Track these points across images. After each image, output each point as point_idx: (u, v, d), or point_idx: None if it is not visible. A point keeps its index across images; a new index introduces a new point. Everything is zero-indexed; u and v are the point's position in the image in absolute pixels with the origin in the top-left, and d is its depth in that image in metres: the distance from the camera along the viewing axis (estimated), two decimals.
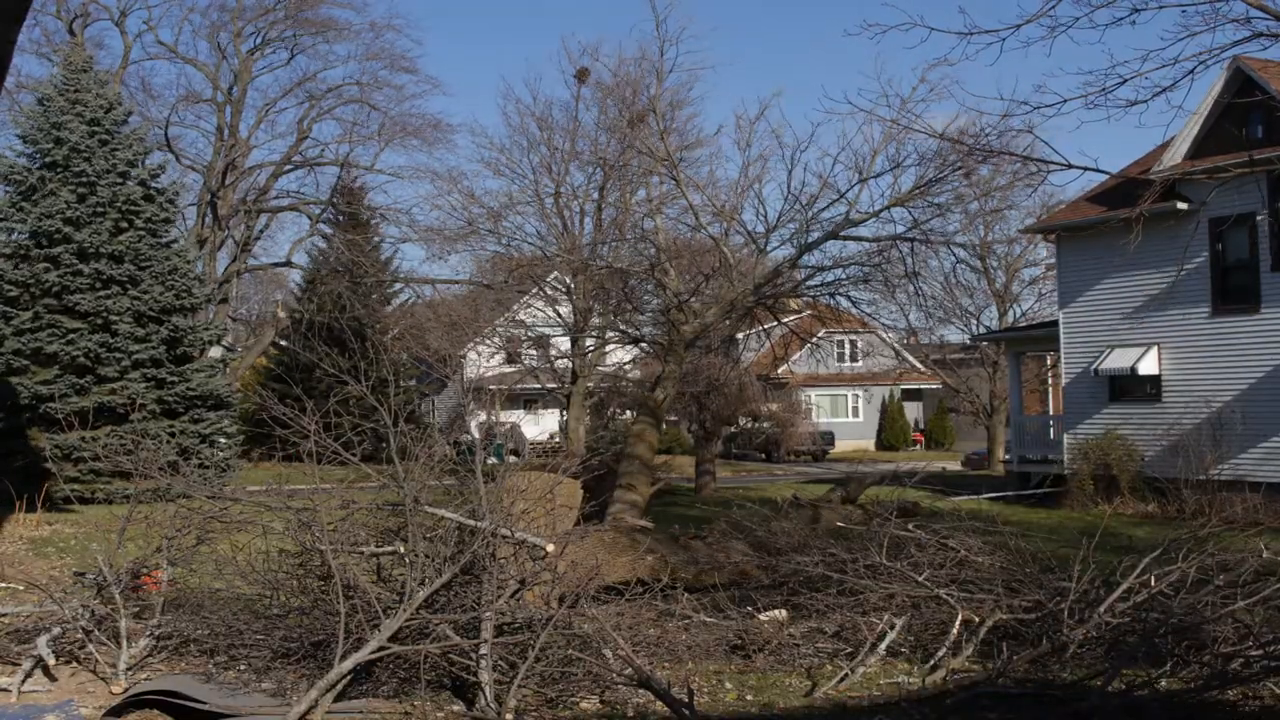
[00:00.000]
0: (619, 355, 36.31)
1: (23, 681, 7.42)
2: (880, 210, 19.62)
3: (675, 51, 51.86)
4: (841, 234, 20.01)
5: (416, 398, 45.51)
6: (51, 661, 7.63)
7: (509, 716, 6.57)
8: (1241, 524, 9.39)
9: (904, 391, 49.82)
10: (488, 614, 7.02)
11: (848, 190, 19.84)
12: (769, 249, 21.47)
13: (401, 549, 7.71)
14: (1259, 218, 19.33)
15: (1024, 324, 35.58)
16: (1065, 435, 23.33)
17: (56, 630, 8.10)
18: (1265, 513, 16.47)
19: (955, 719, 6.56)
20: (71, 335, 20.70)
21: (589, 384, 34.26)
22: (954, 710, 6.65)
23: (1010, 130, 13.89)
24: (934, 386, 49.97)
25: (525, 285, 32.98)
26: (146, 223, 21.98)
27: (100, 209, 21.41)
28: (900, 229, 20.20)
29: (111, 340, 20.92)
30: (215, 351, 27.82)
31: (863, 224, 19.83)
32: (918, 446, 48.85)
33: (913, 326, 31.44)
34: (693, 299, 20.71)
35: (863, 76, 74.39)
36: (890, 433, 48.51)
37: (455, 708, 6.88)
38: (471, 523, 7.53)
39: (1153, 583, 8.18)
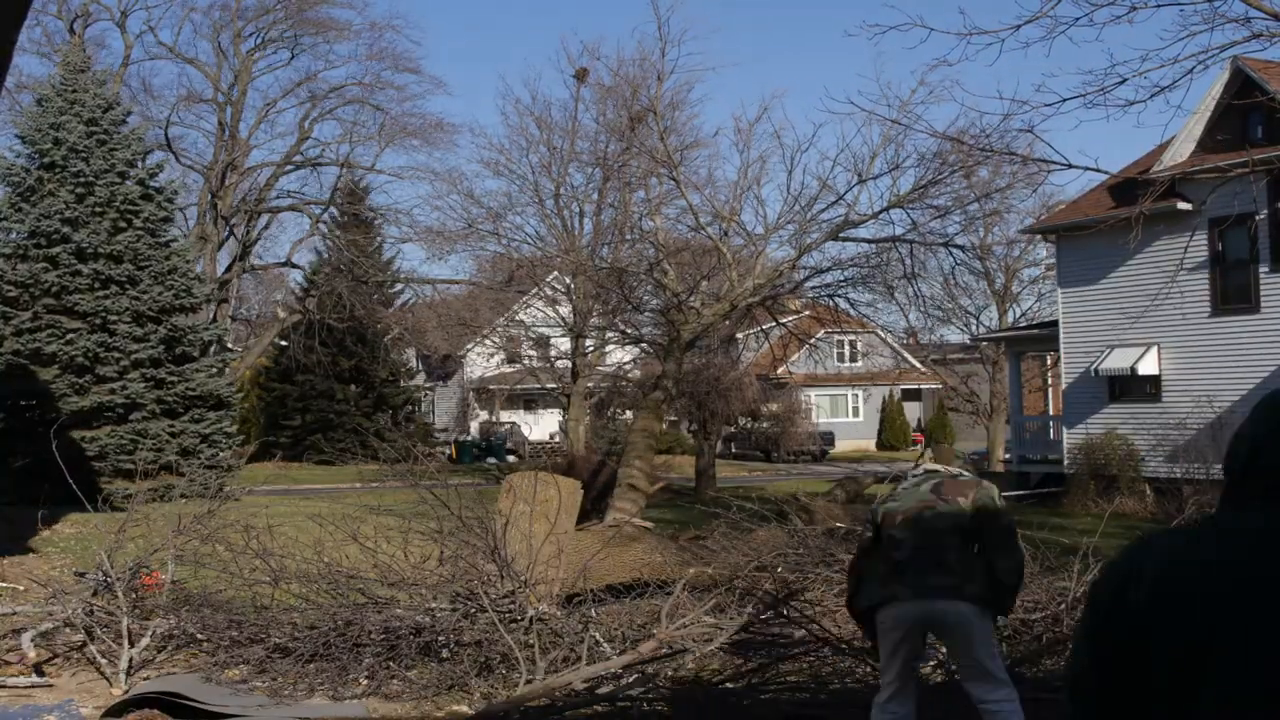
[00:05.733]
0: (619, 355, 36.32)
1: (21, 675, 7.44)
2: (879, 212, 19.65)
3: (676, 53, 51.92)
4: (840, 235, 20.02)
5: (420, 395, 45.57)
6: (32, 656, 7.64)
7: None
8: None
9: (904, 391, 49.82)
10: (488, 613, 7.04)
11: (846, 192, 19.87)
12: (768, 250, 21.50)
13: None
14: (1259, 218, 19.32)
15: (1024, 324, 35.58)
16: (1065, 435, 23.33)
17: (44, 626, 8.11)
18: None
19: (957, 714, 6.56)
20: (71, 335, 20.70)
21: (589, 384, 34.27)
22: (955, 706, 6.65)
23: (1010, 130, 13.91)
24: (934, 386, 49.94)
25: (525, 285, 33.01)
26: (145, 222, 21.98)
27: (99, 209, 21.41)
28: (899, 230, 20.22)
29: (111, 340, 20.93)
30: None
31: (861, 225, 19.85)
32: (918, 446, 48.83)
33: (912, 327, 31.47)
34: (692, 298, 20.72)
35: (862, 79, 74.42)
36: (890, 433, 48.50)
37: (456, 708, 6.89)
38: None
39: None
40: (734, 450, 42.63)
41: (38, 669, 7.69)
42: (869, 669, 7.52)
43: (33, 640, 7.84)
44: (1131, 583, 1.49)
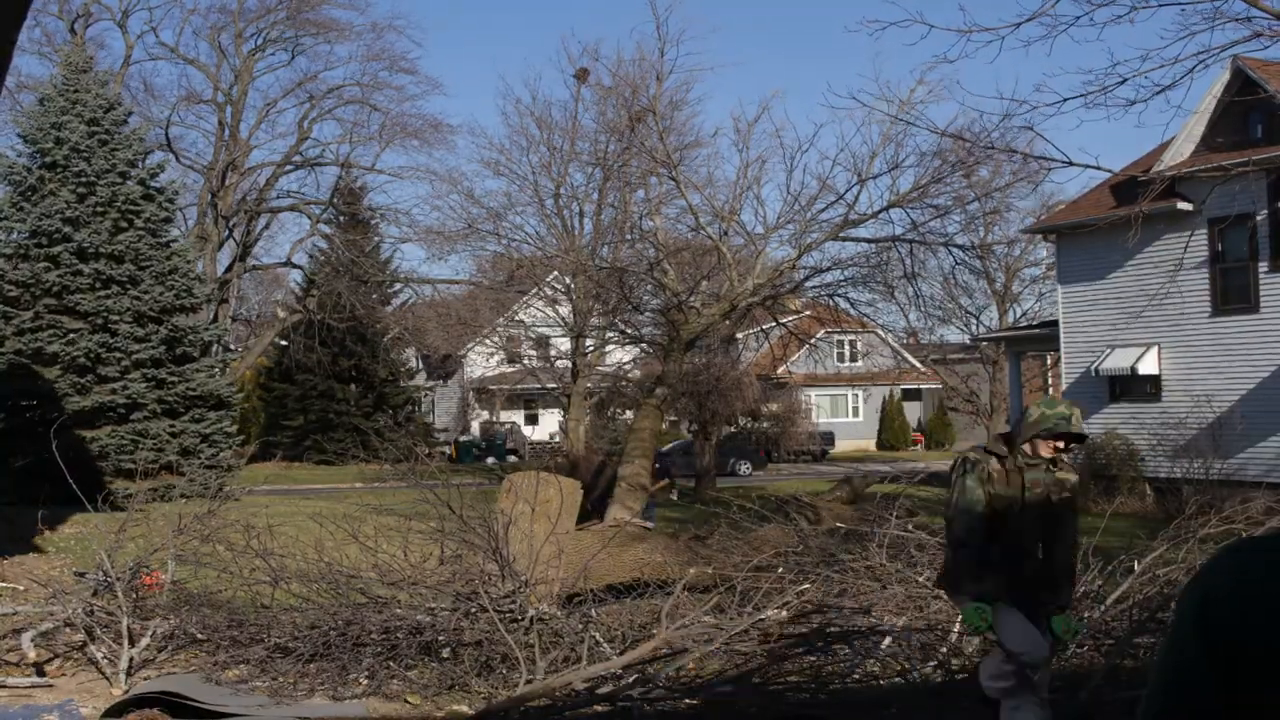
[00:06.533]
0: (619, 355, 36.34)
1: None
2: (879, 211, 19.66)
3: (675, 53, 51.96)
4: (840, 235, 20.02)
5: (420, 395, 45.58)
6: (32, 656, 7.64)
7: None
8: (1243, 524, 9.40)
9: (904, 391, 49.81)
10: (489, 613, 7.04)
11: (846, 191, 19.88)
12: (768, 250, 21.50)
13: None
14: (1259, 217, 19.33)
15: (1024, 324, 35.60)
16: None
17: (45, 627, 8.11)
18: (1267, 512, 16.46)
19: (956, 715, 6.57)
20: (72, 335, 20.71)
21: (589, 384, 34.28)
22: (957, 706, 6.65)
23: (1010, 129, 13.93)
24: (934, 386, 49.93)
25: (525, 285, 33.02)
26: (146, 222, 22.00)
27: (100, 209, 21.42)
28: (899, 230, 20.24)
29: (112, 340, 20.94)
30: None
31: (861, 225, 19.85)
32: (918, 446, 48.83)
33: (912, 327, 31.50)
34: (692, 298, 20.72)
35: (862, 78, 74.42)
36: (890, 433, 48.50)
37: (456, 708, 6.89)
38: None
39: (1153, 581, 8.19)
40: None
41: (38, 669, 7.68)
42: (870, 668, 7.54)
43: (33, 640, 7.84)
44: (1212, 599, 1.49)
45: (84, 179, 21.40)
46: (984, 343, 37.19)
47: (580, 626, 7.57)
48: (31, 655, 7.65)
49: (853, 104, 38.78)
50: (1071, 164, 10.41)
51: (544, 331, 35.93)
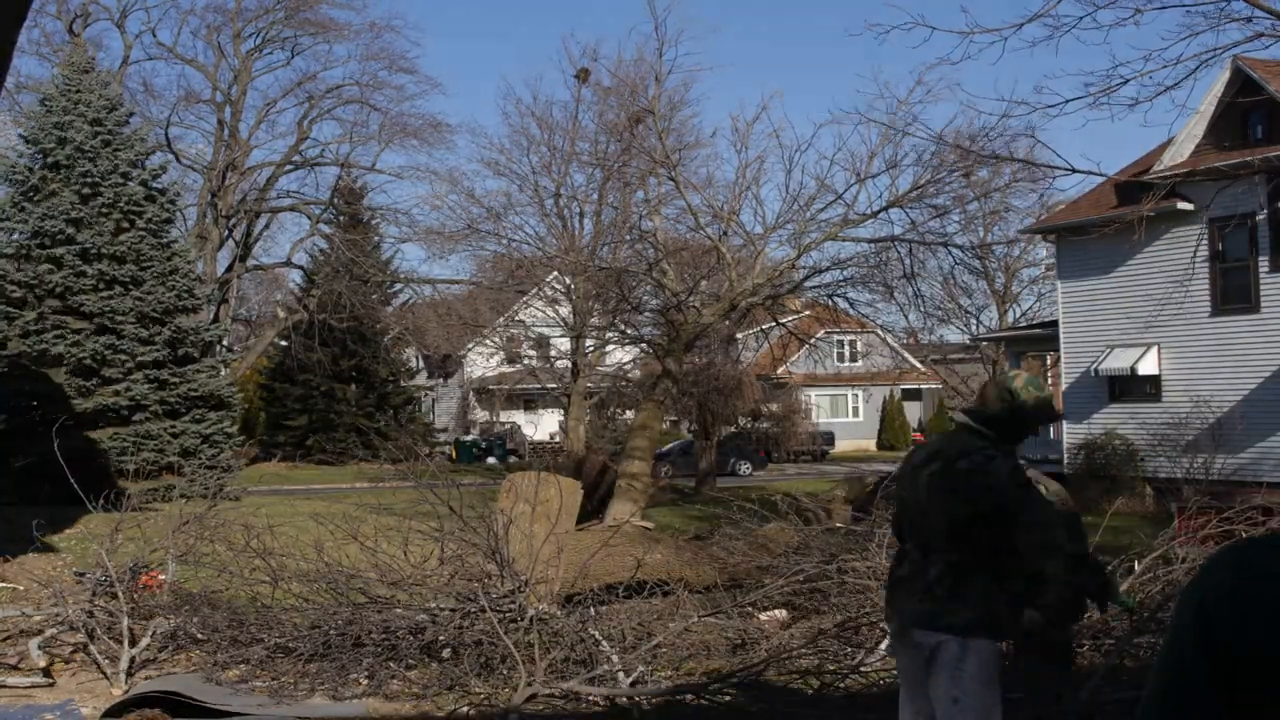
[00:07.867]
0: (619, 355, 36.34)
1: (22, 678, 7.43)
2: (878, 211, 19.64)
3: (674, 53, 51.97)
4: (840, 235, 20.01)
5: (421, 395, 45.59)
6: (41, 664, 7.64)
7: (523, 703, 6.58)
8: (1243, 525, 9.40)
9: (904, 391, 49.82)
10: (488, 613, 7.04)
11: (845, 191, 19.88)
12: (767, 250, 21.48)
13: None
14: (1259, 218, 19.33)
15: (1024, 324, 35.59)
16: (1065, 435, 23.33)
17: (50, 631, 8.10)
18: (1267, 513, 16.46)
19: None
20: (77, 337, 20.71)
21: (589, 384, 34.28)
22: None
23: (1010, 131, 13.93)
24: (934, 386, 49.93)
25: (525, 285, 33.03)
26: (148, 223, 22.00)
27: (103, 209, 21.42)
28: (898, 229, 20.24)
29: (118, 342, 20.94)
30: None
31: (861, 225, 19.85)
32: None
33: (912, 327, 31.50)
34: (692, 298, 20.71)
35: (861, 78, 74.39)
36: (890, 433, 48.49)
37: (455, 709, 6.89)
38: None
39: (1154, 580, 8.18)
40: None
41: (44, 672, 7.69)
42: (870, 668, 7.53)
43: (39, 646, 7.83)
44: (1210, 600, 1.49)
45: (89, 179, 21.40)
46: (984, 343, 37.20)
47: (580, 626, 7.57)
48: (41, 663, 7.64)
49: (852, 110, 39.01)
50: (1074, 171, 10.44)
51: (544, 331, 35.93)
